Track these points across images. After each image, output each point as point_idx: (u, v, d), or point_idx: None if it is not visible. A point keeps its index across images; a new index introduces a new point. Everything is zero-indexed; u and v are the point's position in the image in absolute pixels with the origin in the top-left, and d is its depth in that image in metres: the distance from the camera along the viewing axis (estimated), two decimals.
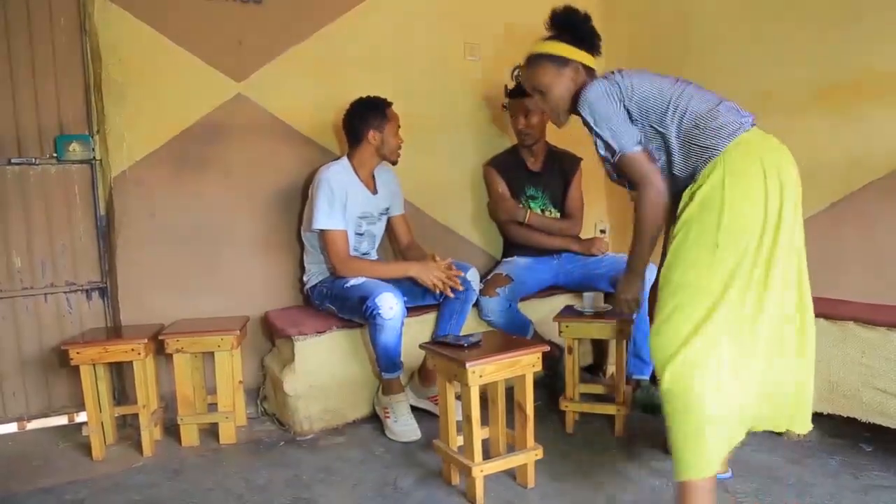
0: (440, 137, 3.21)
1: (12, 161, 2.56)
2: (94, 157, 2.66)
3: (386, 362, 2.49)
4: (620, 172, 1.87)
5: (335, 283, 2.63)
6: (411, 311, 2.60)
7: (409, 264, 2.67)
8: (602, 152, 1.87)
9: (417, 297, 2.66)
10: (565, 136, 3.14)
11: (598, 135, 1.84)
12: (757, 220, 1.62)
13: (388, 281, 2.54)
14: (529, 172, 3.11)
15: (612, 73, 1.87)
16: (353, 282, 2.55)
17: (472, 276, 2.66)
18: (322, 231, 2.61)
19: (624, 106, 1.81)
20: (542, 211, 3.11)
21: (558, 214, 3.15)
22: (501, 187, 3.10)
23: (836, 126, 2.51)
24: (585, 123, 1.89)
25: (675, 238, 1.70)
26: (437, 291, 2.59)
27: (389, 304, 2.39)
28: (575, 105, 1.93)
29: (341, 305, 2.59)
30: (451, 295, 2.58)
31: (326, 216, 2.57)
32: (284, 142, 2.89)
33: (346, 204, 2.62)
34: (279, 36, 2.84)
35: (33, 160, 2.59)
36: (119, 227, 2.63)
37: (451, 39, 3.23)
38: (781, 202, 1.63)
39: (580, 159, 3.16)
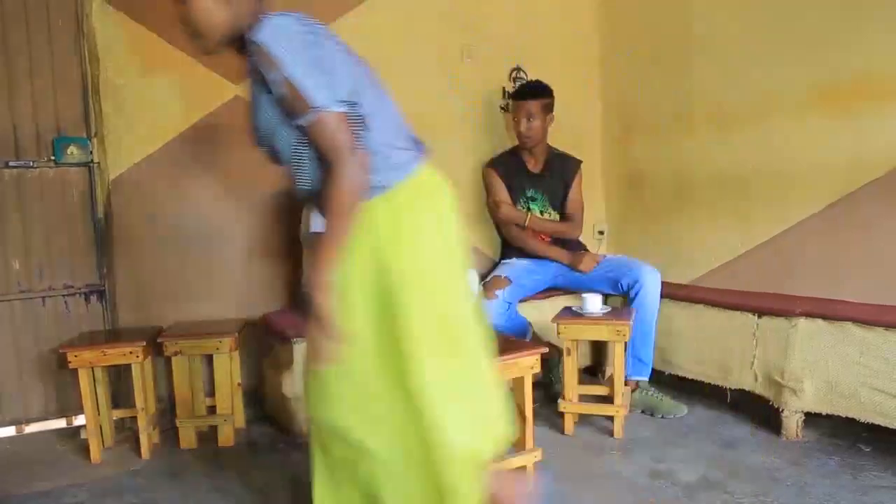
0: (437, 139, 3.17)
1: (10, 164, 2.55)
2: (92, 160, 2.66)
3: None
4: (311, 138, 1.32)
5: None
6: None
7: None
8: (284, 107, 1.34)
9: None
10: (566, 138, 3.17)
11: (284, 79, 1.27)
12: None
13: None
14: (530, 174, 3.10)
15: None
16: None
17: (471, 278, 2.65)
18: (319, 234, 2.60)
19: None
20: (542, 213, 3.11)
21: (558, 216, 3.14)
22: (502, 193, 3.08)
23: (835, 126, 2.50)
24: (254, 68, 1.37)
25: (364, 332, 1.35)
26: None
27: None
28: (236, 34, 1.42)
29: None
30: None
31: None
32: None
33: None
34: None
35: (31, 163, 2.59)
36: (117, 229, 2.63)
37: (449, 41, 3.22)
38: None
39: (580, 162, 3.15)
